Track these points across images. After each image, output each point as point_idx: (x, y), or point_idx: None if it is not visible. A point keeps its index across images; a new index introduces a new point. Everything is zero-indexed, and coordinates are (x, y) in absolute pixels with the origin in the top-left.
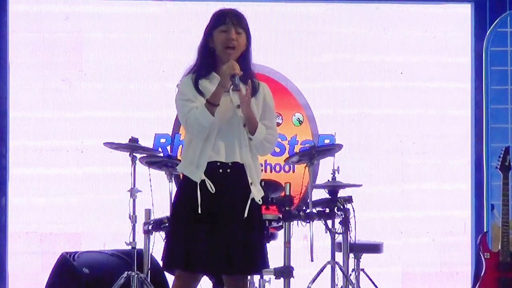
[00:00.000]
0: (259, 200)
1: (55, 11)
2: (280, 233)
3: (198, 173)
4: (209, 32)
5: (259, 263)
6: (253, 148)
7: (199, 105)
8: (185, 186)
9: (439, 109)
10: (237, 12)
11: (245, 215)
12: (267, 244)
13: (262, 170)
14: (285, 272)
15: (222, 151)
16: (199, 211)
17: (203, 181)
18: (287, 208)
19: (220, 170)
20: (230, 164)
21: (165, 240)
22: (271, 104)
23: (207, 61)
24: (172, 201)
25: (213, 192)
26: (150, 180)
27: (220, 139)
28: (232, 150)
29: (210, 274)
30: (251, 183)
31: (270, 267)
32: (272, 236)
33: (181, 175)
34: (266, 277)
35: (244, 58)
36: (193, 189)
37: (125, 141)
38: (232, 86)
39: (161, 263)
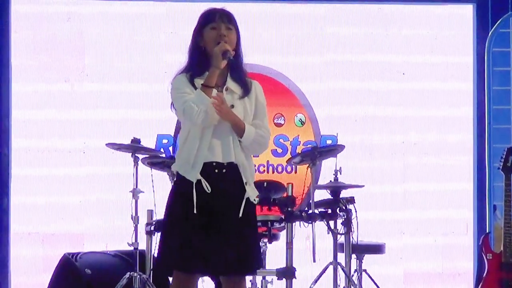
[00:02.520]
0: (254, 200)
1: (57, 11)
2: (282, 234)
3: (194, 173)
4: (198, 32)
5: (254, 263)
6: (244, 149)
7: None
8: (180, 185)
9: (441, 110)
10: (226, 10)
11: (240, 214)
12: (269, 245)
13: (264, 171)
14: (287, 273)
15: (218, 151)
16: (195, 211)
17: (198, 181)
18: (289, 209)
19: (216, 170)
20: (225, 164)
21: (160, 239)
22: (263, 102)
23: (200, 61)
24: (167, 200)
25: (209, 192)
26: (152, 180)
27: (215, 139)
28: (228, 150)
29: (207, 274)
30: (245, 183)
31: (273, 268)
32: (274, 237)
33: (175, 174)
34: (268, 278)
35: (235, 56)
36: (189, 188)
37: (127, 141)
38: (224, 87)
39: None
